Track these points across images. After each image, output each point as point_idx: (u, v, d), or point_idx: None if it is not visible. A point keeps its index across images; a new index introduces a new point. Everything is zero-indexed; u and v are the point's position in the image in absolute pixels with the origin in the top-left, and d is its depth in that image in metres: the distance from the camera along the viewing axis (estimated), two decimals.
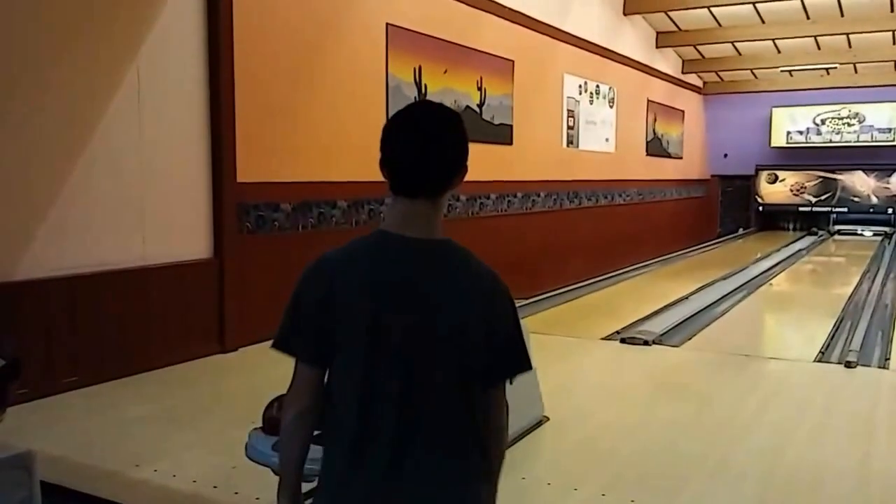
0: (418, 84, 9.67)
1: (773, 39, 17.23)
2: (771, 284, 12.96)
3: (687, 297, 10.71)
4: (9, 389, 3.26)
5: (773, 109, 21.08)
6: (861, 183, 21.10)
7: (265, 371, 6.23)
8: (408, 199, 2.00)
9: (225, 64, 6.98)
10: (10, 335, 5.15)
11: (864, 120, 20.53)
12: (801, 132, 21.11)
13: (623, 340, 7.82)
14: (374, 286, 1.92)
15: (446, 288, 1.96)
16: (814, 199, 21.44)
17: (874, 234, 20.69)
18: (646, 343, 7.66)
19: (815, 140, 20.98)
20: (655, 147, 18.16)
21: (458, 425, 1.95)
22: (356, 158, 8.67)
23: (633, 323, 8.72)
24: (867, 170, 20.95)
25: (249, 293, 7.13)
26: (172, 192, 6.70)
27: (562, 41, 13.18)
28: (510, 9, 11.42)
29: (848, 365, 6.86)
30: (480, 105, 10.94)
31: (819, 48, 17.77)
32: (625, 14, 15.53)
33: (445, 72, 10.13)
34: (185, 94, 6.79)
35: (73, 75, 5.89)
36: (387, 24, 9.09)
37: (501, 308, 2.01)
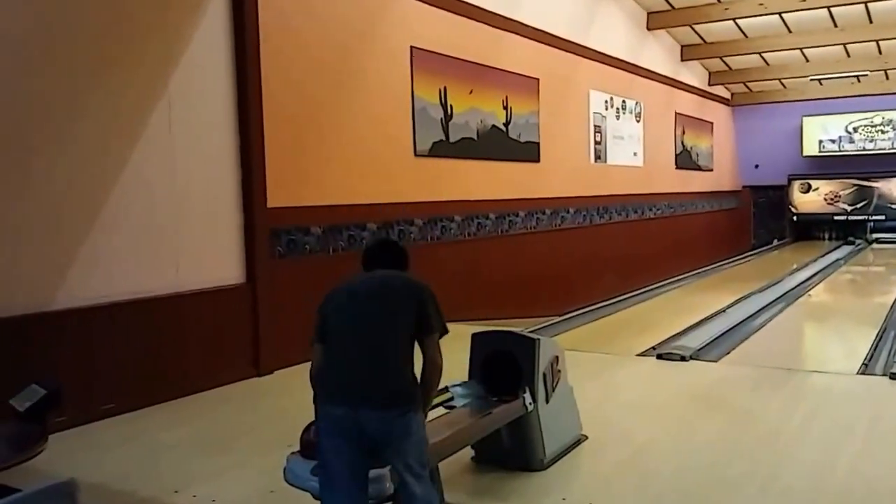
0: (444, 105, 9.70)
1: (800, 49, 17.10)
2: (809, 296, 12.75)
3: (723, 311, 10.55)
4: (49, 418, 3.29)
5: (804, 118, 20.85)
6: None
7: (300, 394, 6.23)
8: None
9: (253, 92, 7.05)
10: (45, 365, 5.22)
11: None
12: (833, 141, 20.84)
13: (659, 356, 7.70)
14: None
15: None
16: (849, 208, 21.12)
17: None
18: (683, 358, 7.54)
19: (849, 148, 20.70)
20: (685, 160, 18.05)
21: None
22: (384, 181, 8.74)
23: (669, 338, 8.59)
24: None
25: (283, 316, 7.14)
26: (204, 219, 6.75)
27: (586, 58, 13.20)
28: (534, 28, 11.45)
29: (893, 377, 6.68)
30: (506, 124, 10.95)
31: (849, 56, 17.60)
32: (648, 29, 15.51)
33: (471, 92, 10.16)
34: (214, 121, 6.86)
35: (106, 106, 5.97)
36: (411, 46, 9.14)
37: None
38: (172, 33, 6.49)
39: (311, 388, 3.33)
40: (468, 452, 4.62)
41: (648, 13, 15.32)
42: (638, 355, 7.96)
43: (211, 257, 6.83)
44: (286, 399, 6.15)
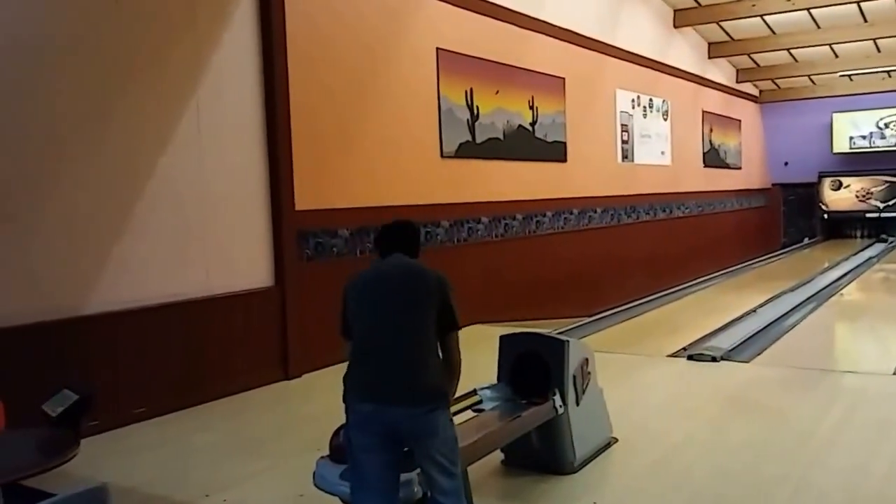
0: (470, 106, 9.68)
1: (830, 44, 16.88)
2: (842, 294, 12.59)
3: (754, 311, 10.44)
4: (81, 423, 3.31)
5: (834, 115, 20.57)
6: None
7: (328, 397, 6.23)
8: None
9: (280, 95, 7.08)
10: (77, 370, 5.27)
11: None
12: (864, 137, 20.54)
13: (690, 357, 7.63)
14: None
15: None
16: (882, 205, 20.80)
17: None
18: (714, 359, 7.47)
19: (880, 144, 20.40)
20: (713, 158, 17.89)
21: None
22: (411, 182, 8.74)
23: (700, 339, 8.52)
24: None
25: (311, 319, 7.15)
26: (233, 222, 6.78)
27: (612, 56, 13.13)
28: (559, 27, 11.41)
29: None
30: (533, 123, 10.91)
31: (879, 51, 17.34)
32: (675, 27, 15.40)
33: (497, 92, 10.13)
34: (242, 126, 6.90)
35: (136, 112, 6.02)
36: (437, 48, 9.14)
37: None
38: (201, 39, 6.54)
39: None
40: (497, 455, 4.60)
41: (675, 10, 15.20)
42: (668, 356, 7.90)
43: (239, 260, 6.86)
44: (315, 402, 6.18)
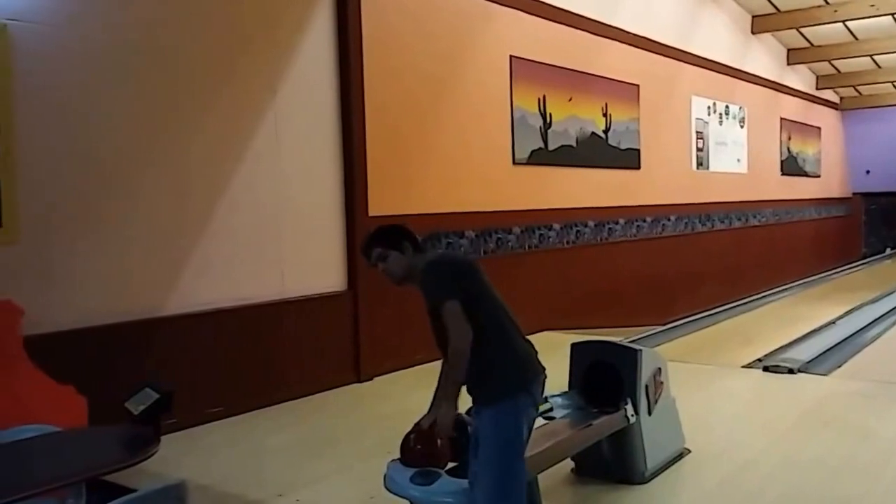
0: (543, 114, 9.67)
1: None
2: None
3: (833, 322, 10.17)
4: (161, 421, 3.41)
5: None
6: None
7: (400, 399, 6.35)
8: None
9: (356, 103, 7.20)
10: (157, 369, 5.42)
11: None
12: None
13: (766, 369, 7.47)
14: None
15: None
16: None
17: None
18: (791, 371, 7.30)
19: None
20: (791, 166, 17.49)
21: None
22: (483, 189, 8.77)
23: (776, 350, 8.34)
24: None
25: (382, 323, 7.25)
26: (309, 228, 6.91)
27: (688, 63, 12.96)
28: (634, 34, 11.31)
29: None
30: (606, 131, 10.84)
31: None
32: (753, 33, 15.11)
33: (570, 99, 10.10)
34: (319, 133, 7.03)
35: (216, 120, 6.19)
36: (510, 55, 9.16)
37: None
38: (280, 49, 6.69)
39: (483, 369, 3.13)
40: (568, 464, 4.58)
41: (753, 16, 14.94)
42: (743, 367, 7.74)
43: (314, 265, 6.98)
44: (386, 405, 6.24)
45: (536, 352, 3.29)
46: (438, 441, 3.20)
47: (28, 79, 5.06)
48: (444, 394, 3.10)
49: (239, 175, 6.31)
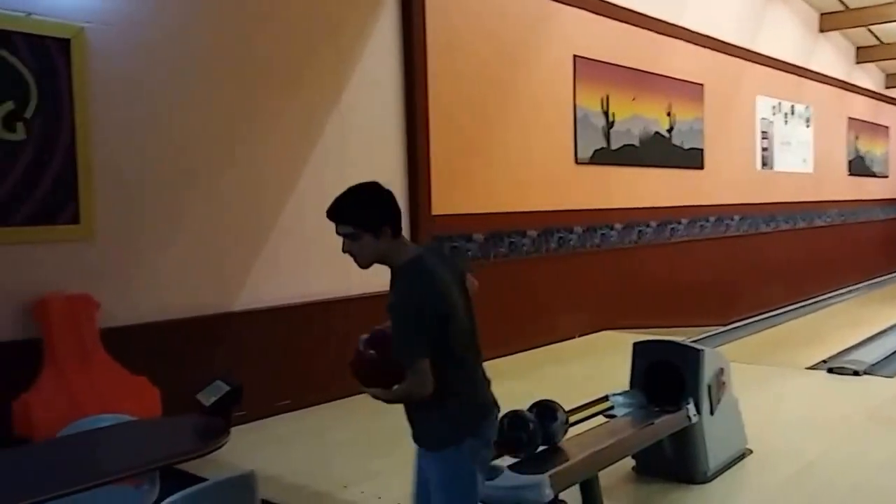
0: (606, 113, 9.68)
1: None
2: None
3: None
4: (231, 413, 3.50)
5: None
6: None
7: None
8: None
9: (420, 104, 7.32)
10: (227, 362, 5.60)
11: None
12: None
13: (831, 370, 7.39)
14: None
15: None
16: None
17: None
18: (856, 373, 7.21)
19: None
20: (858, 166, 17.12)
21: None
22: (545, 188, 8.82)
23: (841, 352, 8.23)
24: None
25: None
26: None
27: (753, 62, 12.80)
28: (699, 33, 11.22)
29: None
30: (669, 130, 10.79)
31: None
32: (821, 31, 14.84)
33: (633, 99, 10.09)
34: (383, 134, 7.17)
35: (286, 121, 6.37)
36: (574, 55, 9.19)
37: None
38: (346, 51, 6.84)
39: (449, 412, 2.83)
40: (629, 462, 4.62)
41: (821, 14, 14.68)
42: (807, 368, 7.67)
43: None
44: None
45: (490, 382, 2.94)
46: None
47: (104, 80, 5.23)
48: (392, 395, 2.82)
49: (307, 176, 6.48)
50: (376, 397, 2.83)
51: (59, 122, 5.02)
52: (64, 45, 5.02)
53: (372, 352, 2.85)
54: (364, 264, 2.89)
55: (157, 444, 3.45)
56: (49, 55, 4.97)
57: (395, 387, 2.77)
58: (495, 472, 3.41)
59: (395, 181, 7.22)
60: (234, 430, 3.36)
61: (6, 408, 4.59)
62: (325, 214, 2.80)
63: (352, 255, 2.84)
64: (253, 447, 5.05)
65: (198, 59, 5.82)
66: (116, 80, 5.33)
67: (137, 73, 5.45)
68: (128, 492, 3.71)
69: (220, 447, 3.21)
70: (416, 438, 2.97)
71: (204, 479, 3.00)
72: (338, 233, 2.80)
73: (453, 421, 2.81)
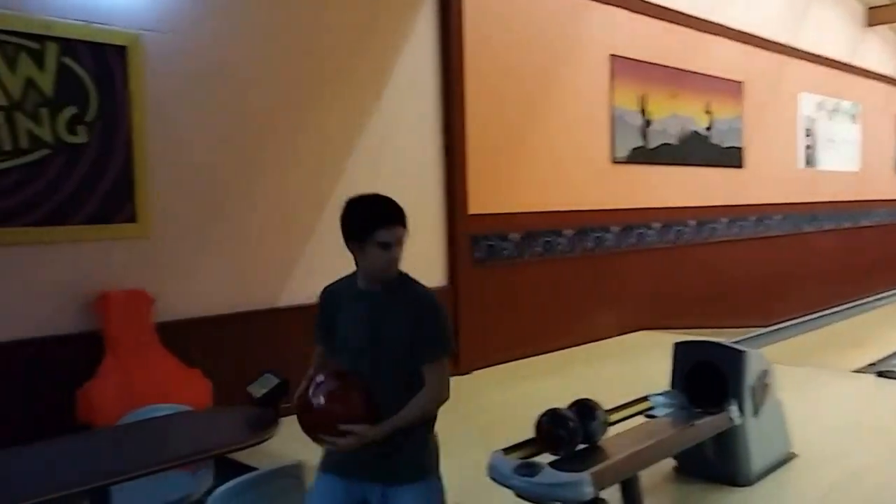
0: (643, 112, 9.56)
1: None
2: None
3: None
4: (280, 404, 3.55)
5: None
6: None
7: (499, 393, 6.40)
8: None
9: (456, 104, 7.31)
10: (273, 356, 5.61)
11: None
12: None
13: (879, 374, 7.22)
14: None
15: None
16: None
17: None
18: None
19: None
20: None
21: None
22: (581, 188, 8.75)
23: (890, 355, 8.03)
24: None
25: (481, 319, 7.34)
26: (411, 225, 6.97)
27: (796, 58, 12.56)
28: (738, 30, 11.05)
29: None
30: (708, 129, 10.63)
31: None
32: (868, 25, 14.53)
33: (671, 97, 9.94)
34: (421, 134, 7.18)
35: (325, 122, 6.42)
36: (610, 55, 9.09)
37: None
38: (384, 53, 6.86)
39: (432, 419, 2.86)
40: (671, 462, 4.54)
41: (868, 8, 14.38)
42: (854, 371, 7.49)
43: (416, 261, 6.95)
44: (485, 397, 6.28)
45: None
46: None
47: (159, 85, 5.41)
48: (398, 422, 2.65)
49: (345, 176, 6.52)
50: (362, 439, 2.59)
51: (117, 125, 5.25)
52: (121, 51, 5.24)
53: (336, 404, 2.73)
54: (398, 271, 2.84)
55: (212, 433, 3.61)
56: (107, 62, 5.20)
57: (413, 401, 2.69)
58: (535, 469, 3.35)
59: (431, 180, 7.24)
60: (282, 421, 3.40)
61: (71, 395, 4.82)
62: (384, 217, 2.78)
63: (397, 261, 2.79)
64: (300, 439, 5.04)
65: (246, 64, 5.95)
66: (170, 85, 5.51)
67: (190, 78, 5.63)
68: (185, 477, 3.82)
69: (268, 438, 3.34)
70: (388, 473, 2.68)
71: (254, 469, 3.12)
72: (395, 238, 2.77)
73: (435, 444, 2.85)
